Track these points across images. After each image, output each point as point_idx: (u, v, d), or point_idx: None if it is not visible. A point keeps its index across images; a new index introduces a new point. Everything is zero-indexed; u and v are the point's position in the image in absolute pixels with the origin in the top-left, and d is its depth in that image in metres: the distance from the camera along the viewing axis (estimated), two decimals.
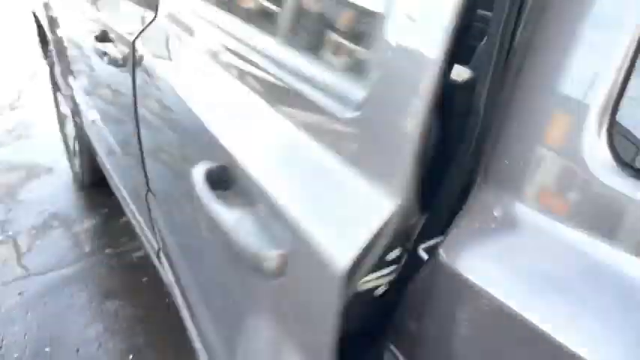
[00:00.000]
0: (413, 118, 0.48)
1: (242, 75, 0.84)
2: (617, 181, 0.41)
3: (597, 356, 0.39)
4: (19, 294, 2.07)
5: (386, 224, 0.50)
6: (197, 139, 0.93)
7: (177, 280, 1.37)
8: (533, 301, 0.44)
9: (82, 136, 2.39)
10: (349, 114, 0.56)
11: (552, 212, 0.45)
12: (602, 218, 0.42)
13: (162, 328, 1.91)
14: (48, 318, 1.97)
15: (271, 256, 0.62)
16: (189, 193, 1.13)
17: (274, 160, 0.69)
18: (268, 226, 0.65)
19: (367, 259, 0.53)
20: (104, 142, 1.96)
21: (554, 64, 0.45)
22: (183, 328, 1.38)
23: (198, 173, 0.75)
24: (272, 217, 0.64)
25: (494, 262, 0.48)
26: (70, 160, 2.82)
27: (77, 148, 2.57)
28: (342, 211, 0.56)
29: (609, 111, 0.42)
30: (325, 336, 0.55)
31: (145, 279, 2.15)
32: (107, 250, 2.33)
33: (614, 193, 0.41)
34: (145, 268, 2.15)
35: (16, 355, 1.81)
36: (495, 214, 0.49)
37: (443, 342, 0.53)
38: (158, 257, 1.50)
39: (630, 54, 0.40)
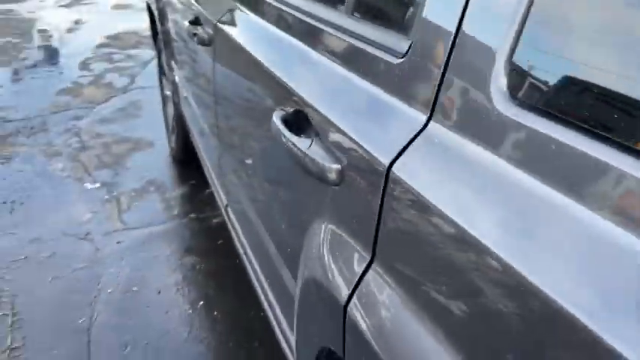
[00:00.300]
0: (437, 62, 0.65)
1: (313, 40, 1.03)
2: (510, 110, 0.54)
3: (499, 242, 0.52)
4: (117, 243, 2.44)
5: (419, 131, 0.66)
6: (270, 92, 1.13)
7: (238, 225, 1.61)
8: (449, 197, 0.59)
9: (179, 115, 2.73)
10: (395, 60, 0.74)
11: (472, 136, 0.59)
12: (499, 138, 0.56)
13: (230, 283, 2.17)
14: (138, 264, 2.31)
15: (334, 167, 0.81)
16: (252, 154, 1.35)
17: (338, 100, 0.88)
18: (331, 148, 0.84)
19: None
20: (194, 117, 2.25)
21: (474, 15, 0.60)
22: (249, 283, 1.60)
23: (277, 118, 0.96)
24: (334, 140, 0.84)
25: (431, 176, 0.63)
26: (169, 136, 3.20)
27: (175, 126, 2.92)
28: (385, 125, 0.73)
29: (509, 53, 0.55)
30: (371, 222, 0.71)
31: (220, 241, 2.43)
32: (191, 215, 2.66)
33: (508, 120, 0.54)
34: (220, 232, 2.44)
35: (109, 290, 2.15)
36: (436, 140, 0.64)
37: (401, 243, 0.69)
38: (226, 211, 1.75)
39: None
